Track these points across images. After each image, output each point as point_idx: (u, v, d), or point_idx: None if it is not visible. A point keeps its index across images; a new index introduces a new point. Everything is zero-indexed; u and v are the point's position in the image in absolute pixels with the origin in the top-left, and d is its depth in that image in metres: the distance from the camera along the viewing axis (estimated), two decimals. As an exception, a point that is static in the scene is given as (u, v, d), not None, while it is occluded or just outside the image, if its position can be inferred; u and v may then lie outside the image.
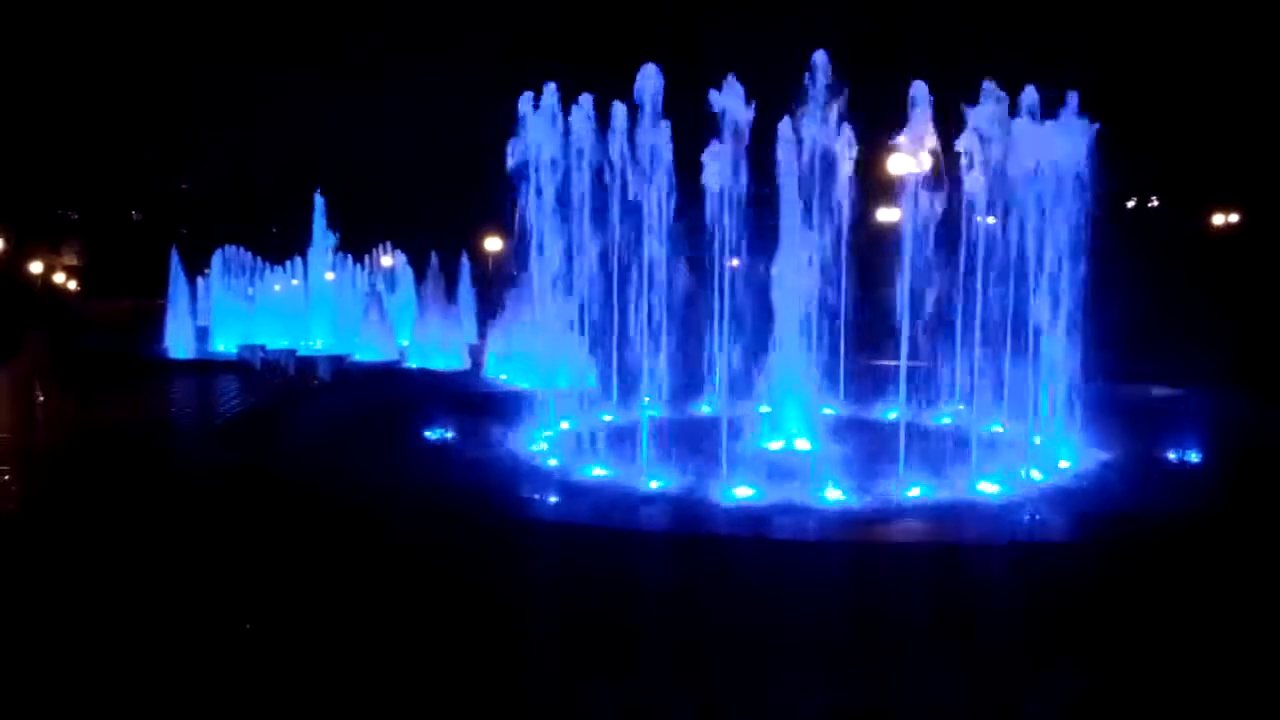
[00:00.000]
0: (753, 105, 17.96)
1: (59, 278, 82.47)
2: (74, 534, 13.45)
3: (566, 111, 19.87)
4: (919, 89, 16.78)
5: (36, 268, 78.34)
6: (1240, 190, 53.80)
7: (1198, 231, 54.17)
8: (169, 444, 21.53)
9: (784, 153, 18.47)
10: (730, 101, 17.95)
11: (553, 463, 17.45)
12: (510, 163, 20.08)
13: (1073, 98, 17.68)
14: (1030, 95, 17.46)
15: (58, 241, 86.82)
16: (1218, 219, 55.80)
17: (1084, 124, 17.67)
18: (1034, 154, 17.64)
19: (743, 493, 14.60)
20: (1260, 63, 50.48)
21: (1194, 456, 16.95)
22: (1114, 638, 9.52)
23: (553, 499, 14.64)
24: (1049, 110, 17.73)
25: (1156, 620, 9.90)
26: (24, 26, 71.53)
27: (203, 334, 44.58)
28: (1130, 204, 57.73)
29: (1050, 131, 17.68)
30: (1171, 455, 17.11)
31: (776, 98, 18.63)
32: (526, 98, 19.91)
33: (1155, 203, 60.27)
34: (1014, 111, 17.42)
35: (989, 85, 17.17)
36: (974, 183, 17.39)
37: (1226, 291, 37.47)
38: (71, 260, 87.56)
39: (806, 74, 18.08)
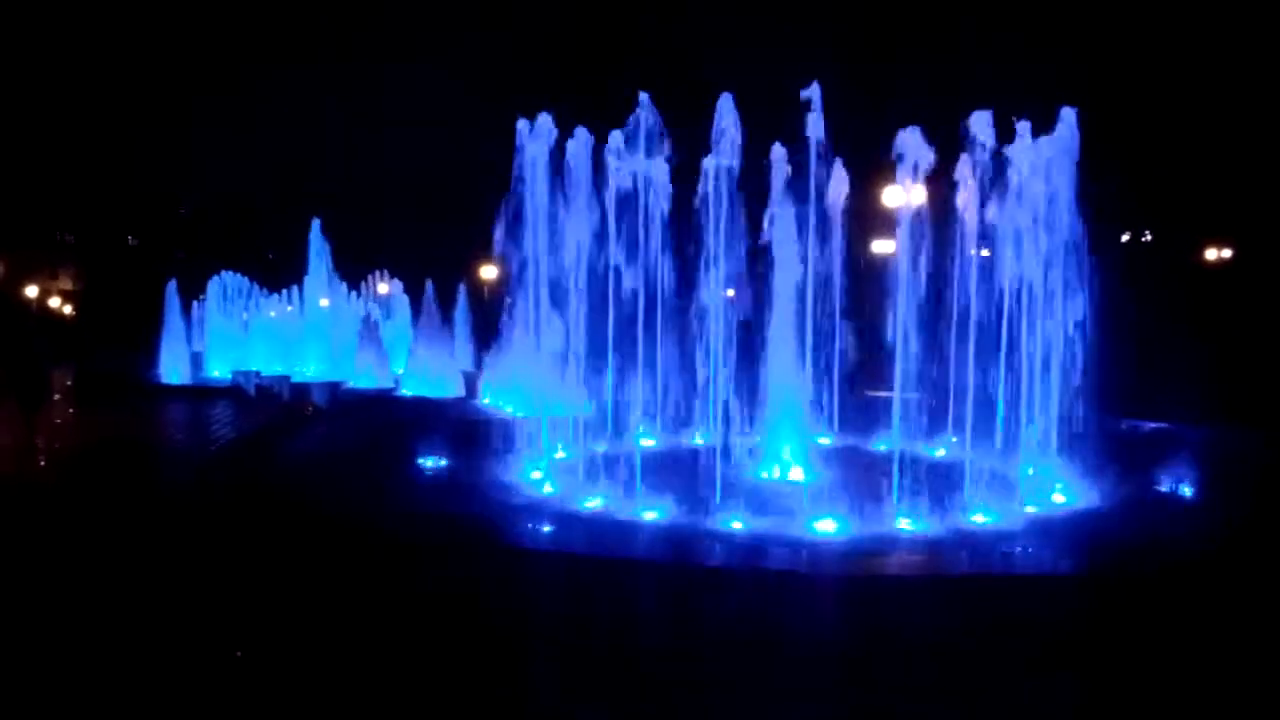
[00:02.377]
0: (748, 135, 18.18)
1: (54, 302, 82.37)
2: (72, 556, 13.43)
3: (562, 141, 20.00)
4: (910, 129, 16.95)
5: (33, 291, 78.36)
6: (1233, 224, 54.14)
7: (1191, 265, 54.41)
8: (164, 470, 21.41)
9: (778, 184, 18.60)
10: (726, 132, 18.15)
11: (548, 490, 17.47)
12: (506, 192, 20.24)
13: (1067, 130, 17.83)
14: (1023, 131, 17.63)
15: (55, 266, 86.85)
16: (1211, 253, 56.08)
17: (1076, 156, 17.81)
18: (1027, 188, 17.82)
19: (736, 524, 14.64)
20: (1252, 96, 50.95)
21: (1185, 490, 17.02)
22: (1105, 668, 9.55)
23: (547, 527, 14.66)
24: (1041, 145, 17.91)
25: (1148, 650, 9.94)
26: (20, 50, 71.89)
27: (197, 359, 44.56)
28: (1125, 238, 58.04)
29: (1042, 165, 17.85)
30: (1163, 489, 17.16)
31: (773, 127, 18.77)
32: (522, 126, 20.04)
33: (1149, 237, 60.56)
34: (1006, 147, 17.60)
35: (980, 121, 17.35)
36: (966, 217, 17.57)
37: (1219, 325, 37.66)
38: (68, 284, 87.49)
39: (803, 105, 18.19)
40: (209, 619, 10.84)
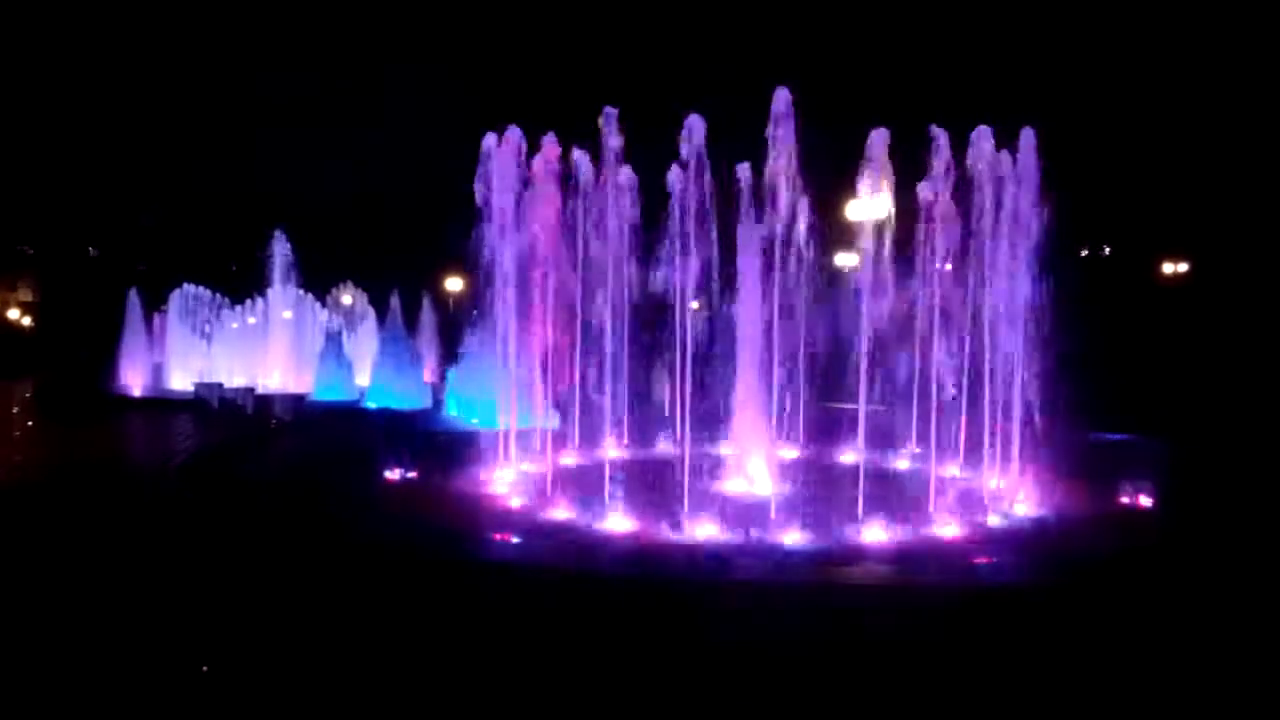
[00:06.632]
0: (715, 150, 18.30)
1: (14, 313, 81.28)
2: (36, 577, 13.31)
3: (529, 154, 20.03)
4: (876, 139, 17.15)
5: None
6: (1189, 240, 55.05)
7: (1148, 280, 55.24)
8: (125, 490, 21.06)
9: (743, 198, 18.75)
10: (693, 146, 18.24)
11: (515, 504, 17.47)
12: (474, 204, 20.23)
13: (1026, 147, 18.10)
14: (984, 149, 17.88)
15: (13, 277, 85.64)
16: (1167, 268, 56.97)
17: (1036, 172, 18.07)
18: (988, 203, 18.09)
19: (703, 535, 14.72)
20: (1211, 112, 51.91)
21: (1142, 502, 17.29)
22: (1071, 676, 9.71)
23: (514, 539, 14.66)
24: (1003, 161, 18.18)
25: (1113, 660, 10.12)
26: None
27: (159, 370, 44.03)
28: (1084, 253, 58.81)
29: (1003, 181, 18.11)
30: (1123, 500, 17.43)
31: (740, 140, 18.90)
32: (490, 139, 20.05)
33: (1107, 251, 61.39)
34: (966, 162, 17.86)
35: (941, 138, 17.59)
36: (929, 232, 17.79)
37: (1176, 339, 38.32)
38: (27, 296, 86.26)
39: (769, 117, 18.33)
40: (173, 637, 10.79)
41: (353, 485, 18.60)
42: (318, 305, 48.71)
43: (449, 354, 37.85)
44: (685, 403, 18.94)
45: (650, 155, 19.36)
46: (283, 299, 45.21)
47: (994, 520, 16.19)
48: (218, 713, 8.97)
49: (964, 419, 19.10)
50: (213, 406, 36.07)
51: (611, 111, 19.39)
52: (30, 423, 32.92)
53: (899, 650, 10.33)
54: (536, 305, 20.47)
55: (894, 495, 16.29)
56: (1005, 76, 51.01)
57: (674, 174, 18.61)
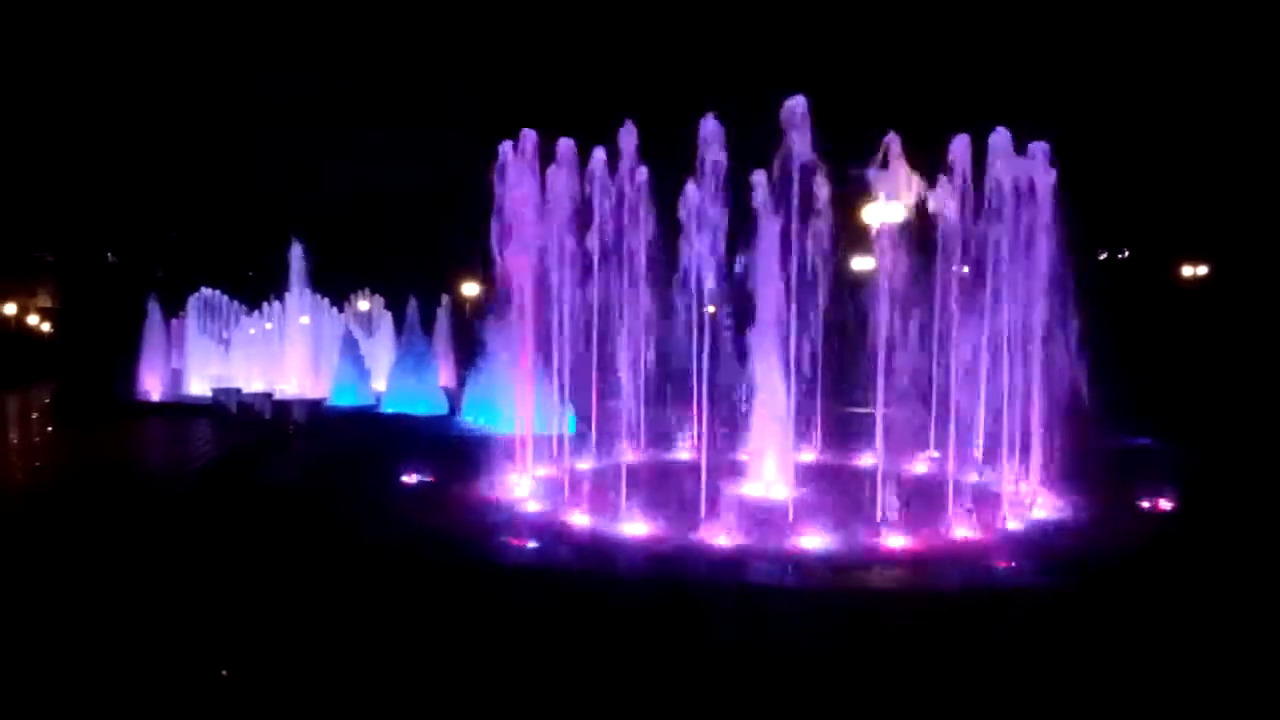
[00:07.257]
0: (732, 153, 18.22)
1: (33, 319, 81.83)
2: (56, 581, 13.36)
3: (545, 159, 20.02)
4: (892, 141, 17.07)
5: (10, 309, 77.89)
6: (1209, 243, 54.76)
7: (1168, 283, 54.97)
8: (147, 493, 21.17)
9: (760, 200, 18.67)
10: (710, 148, 18.15)
11: (531, 508, 17.45)
12: (490, 209, 20.24)
13: (1044, 150, 18.00)
14: (1003, 152, 17.78)
15: (33, 283, 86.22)
16: (1187, 270, 56.63)
17: (1053, 175, 17.97)
18: (1005, 207, 17.99)
19: (720, 540, 14.67)
20: (1231, 114, 51.66)
21: (1163, 505, 17.18)
22: (1091, 681, 9.63)
23: (531, 544, 14.65)
24: (1020, 164, 18.06)
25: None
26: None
27: (177, 376, 44.26)
28: (1102, 256, 58.61)
29: (1021, 184, 18.00)
30: (1143, 504, 17.32)
31: (756, 143, 18.84)
32: (505, 145, 20.06)
33: (1126, 254, 61.16)
34: (985, 165, 17.76)
35: (960, 141, 17.51)
36: (946, 235, 17.70)
37: (1196, 341, 38.12)
38: (46, 302, 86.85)
39: (784, 121, 18.26)
40: (193, 641, 10.81)
41: (370, 490, 18.64)
42: (334, 310, 48.90)
43: (466, 359, 37.90)
44: (702, 407, 18.90)
45: (657, 155, 19.32)
46: (300, 304, 45.40)
47: (1013, 524, 16.08)
48: (238, 716, 8.99)
49: (982, 423, 18.99)
50: (230, 411, 36.18)
51: (630, 126, 19.40)
52: (50, 428, 33.09)
53: (918, 655, 10.27)
54: (554, 311, 20.49)
55: (912, 498, 16.18)
56: (1023, 79, 50.84)
57: (690, 178, 18.55)
